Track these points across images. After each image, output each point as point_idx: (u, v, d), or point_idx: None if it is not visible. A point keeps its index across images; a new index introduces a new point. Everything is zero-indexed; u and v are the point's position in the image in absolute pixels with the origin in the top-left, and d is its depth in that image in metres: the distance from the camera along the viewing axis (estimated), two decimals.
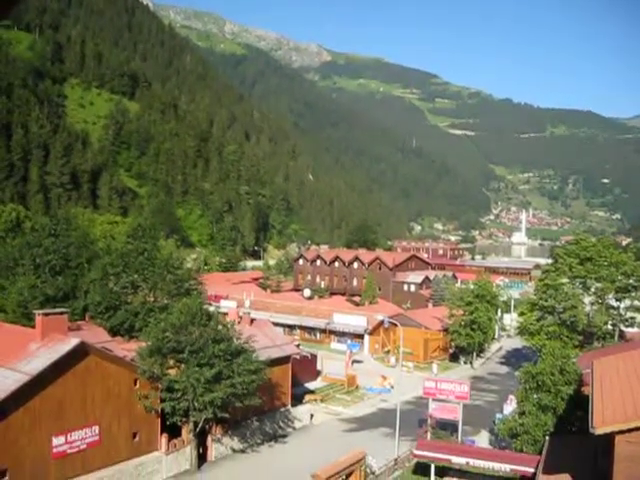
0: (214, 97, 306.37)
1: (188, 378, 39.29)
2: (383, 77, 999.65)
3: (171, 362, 41.12)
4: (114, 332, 53.75)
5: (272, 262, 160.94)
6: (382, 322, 79.92)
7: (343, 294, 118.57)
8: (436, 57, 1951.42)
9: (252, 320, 57.23)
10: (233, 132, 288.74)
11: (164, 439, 41.93)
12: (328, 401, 60.00)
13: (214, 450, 45.58)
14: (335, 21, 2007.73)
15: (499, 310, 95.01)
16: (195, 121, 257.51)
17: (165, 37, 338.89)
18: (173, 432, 42.69)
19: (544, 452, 30.87)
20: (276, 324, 78.17)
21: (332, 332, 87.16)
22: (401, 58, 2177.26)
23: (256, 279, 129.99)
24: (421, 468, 40.63)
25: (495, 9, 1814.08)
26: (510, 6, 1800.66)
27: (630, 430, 20.51)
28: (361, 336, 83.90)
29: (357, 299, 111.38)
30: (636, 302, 73.52)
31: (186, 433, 43.25)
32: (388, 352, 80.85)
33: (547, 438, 33.65)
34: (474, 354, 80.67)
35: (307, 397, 58.45)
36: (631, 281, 70.47)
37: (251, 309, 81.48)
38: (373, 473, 40.66)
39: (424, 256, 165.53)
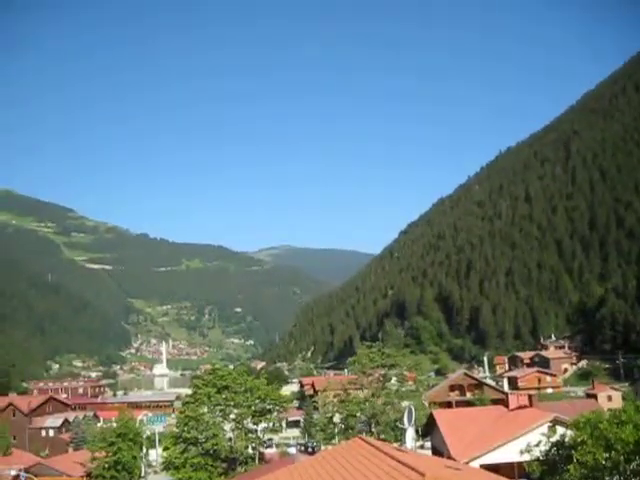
0: None
1: None
2: (15, 210, 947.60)
3: None
4: None
5: None
6: (18, 477, 73.92)
7: None
8: (72, 192, 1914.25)
9: None
10: None
11: None
12: None
13: None
14: None
15: (144, 446, 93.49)
16: None
17: None
18: None
19: None
20: None
21: None
22: (34, 191, 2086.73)
23: None
24: None
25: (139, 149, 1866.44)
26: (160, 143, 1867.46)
27: None
28: None
29: None
30: (272, 423, 78.73)
31: None
32: None
33: None
34: None
35: None
36: (265, 404, 75.37)
37: None
38: None
39: (63, 397, 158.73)
